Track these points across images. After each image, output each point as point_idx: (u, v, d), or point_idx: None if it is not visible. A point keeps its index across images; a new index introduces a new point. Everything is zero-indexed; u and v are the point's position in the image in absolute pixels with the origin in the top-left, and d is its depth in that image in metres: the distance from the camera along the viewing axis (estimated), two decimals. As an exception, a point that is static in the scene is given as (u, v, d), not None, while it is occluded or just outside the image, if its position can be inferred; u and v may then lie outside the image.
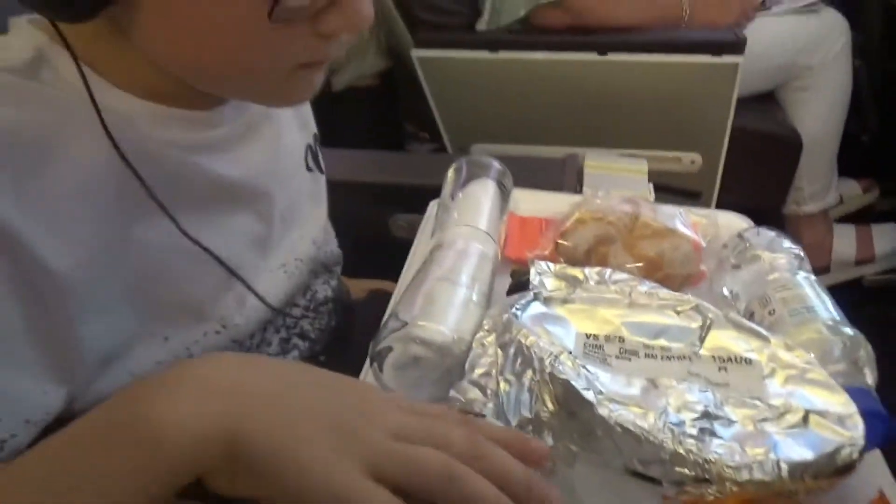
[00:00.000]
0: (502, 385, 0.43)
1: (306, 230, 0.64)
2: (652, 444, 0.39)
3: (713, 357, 0.47)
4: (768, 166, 1.62)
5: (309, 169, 0.67)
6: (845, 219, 1.78)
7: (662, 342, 0.48)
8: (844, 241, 1.71)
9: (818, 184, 1.66)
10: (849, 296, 1.70)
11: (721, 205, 0.75)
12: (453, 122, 1.55)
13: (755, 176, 1.61)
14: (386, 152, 1.27)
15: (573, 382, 0.41)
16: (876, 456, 0.47)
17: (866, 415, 0.44)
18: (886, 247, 1.70)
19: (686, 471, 0.39)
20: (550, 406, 0.42)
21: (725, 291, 0.59)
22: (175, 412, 0.31)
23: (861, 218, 1.77)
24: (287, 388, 0.35)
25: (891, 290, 1.69)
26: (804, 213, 1.69)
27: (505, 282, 0.57)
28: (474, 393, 0.44)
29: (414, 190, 0.74)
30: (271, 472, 0.31)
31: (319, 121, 0.70)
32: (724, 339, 0.48)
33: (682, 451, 0.39)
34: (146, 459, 0.30)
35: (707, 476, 0.39)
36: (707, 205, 1.49)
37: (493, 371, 0.45)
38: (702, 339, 0.48)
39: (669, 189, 0.86)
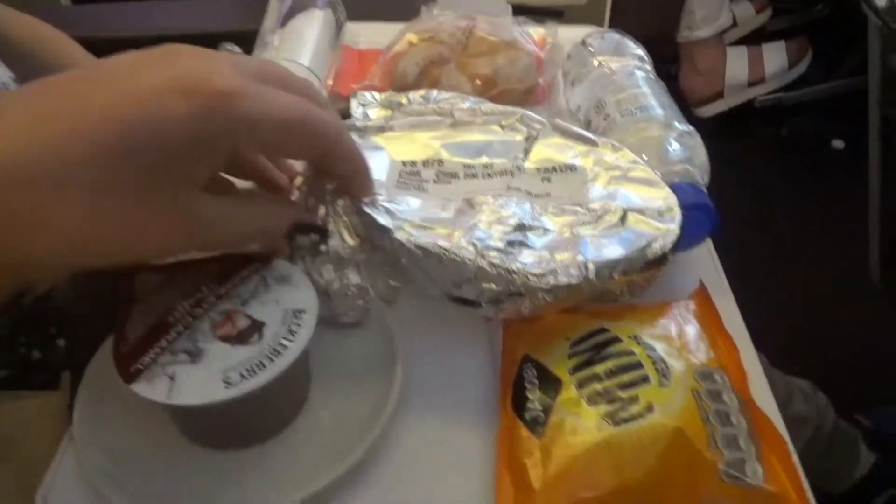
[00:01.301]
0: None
1: None
2: (455, 263, 0.36)
3: (537, 169, 0.44)
4: (659, -9, 1.56)
5: None
6: (738, 42, 1.76)
7: (484, 160, 0.44)
8: (736, 63, 1.70)
9: (710, 6, 1.62)
10: (741, 118, 1.73)
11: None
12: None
13: (647, 2, 1.55)
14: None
15: (367, 210, 0.37)
16: (705, 249, 0.46)
17: (694, 208, 0.42)
18: (776, 65, 1.70)
19: (493, 286, 0.36)
20: (350, 240, 0.38)
21: (570, 105, 0.55)
22: None
23: (752, 39, 1.76)
24: None
25: (780, 108, 1.72)
26: (697, 39, 1.65)
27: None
28: None
29: (239, 37, 0.65)
30: None
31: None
32: (550, 149, 0.45)
33: (484, 264, 0.36)
34: None
35: (513, 288, 0.36)
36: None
37: None
38: (526, 152, 0.45)
39: (530, 10, 0.79)
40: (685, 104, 1.76)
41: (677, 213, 0.40)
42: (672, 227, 0.39)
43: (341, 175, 0.33)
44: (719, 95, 1.72)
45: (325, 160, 0.32)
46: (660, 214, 0.40)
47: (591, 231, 0.39)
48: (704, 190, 0.44)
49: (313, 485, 0.33)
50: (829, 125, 1.70)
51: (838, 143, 1.68)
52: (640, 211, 0.40)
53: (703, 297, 0.39)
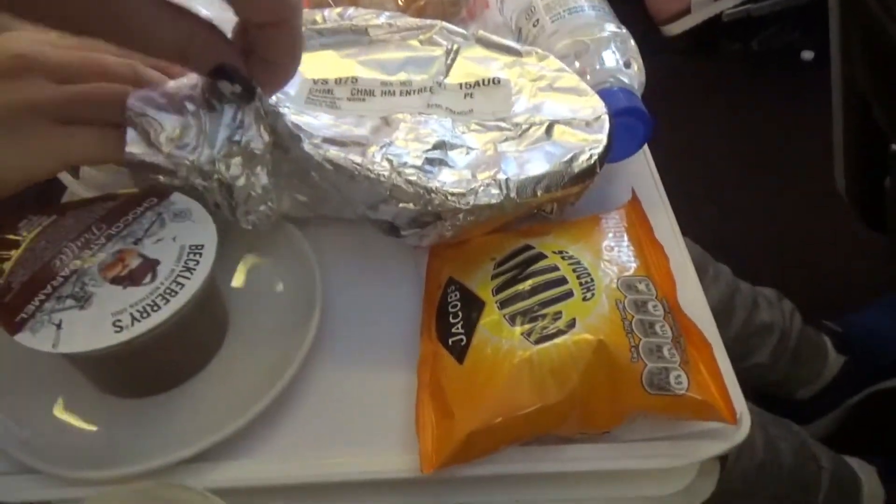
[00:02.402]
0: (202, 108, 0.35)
1: None
2: (369, 180, 0.34)
3: (459, 85, 0.41)
4: None
5: None
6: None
7: (402, 76, 0.42)
8: (702, -24, 1.64)
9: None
10: (709, 34, 1.68)
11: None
12: None
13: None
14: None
15: (282, 111, 0.34)
16: (642, 157, 0.44)
17: (626, 113, 0.40)
18: (742, -24, 1.64)
19: (411, 205, 0.34)
20: (265, 136, 0.34)
21: (505, 18, 0.52)
22: None
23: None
24: None
25: (748, 22, 1.67)
26: (660, -48, 1.59)
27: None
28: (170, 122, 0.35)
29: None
30: None
31: None
32: (472, 63, 0.42)
33: (400, 182, 0.33)
34: None
35: (431, 208, 0.34)
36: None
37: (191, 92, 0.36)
38: (448, 67, 0.42)
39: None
40: (652, 23, 1.70)
41: (606, 122, 0.37)
42: (600, 137, 0.36)
43: (272, 59, 0.30)
44: (686, 12, 1.66)
45: (264, 35, 0.29)
46: (587, 125, 0.37)
47: (516, 147, 0.36)
48: (638, 95, 0.42)
49: (234, 423, 0.31)
50: (798, 37, 1.65)
51: (808, 55, 1.64)
52: (567, 122, 0.37)
53: (633, 207, 0.37)
